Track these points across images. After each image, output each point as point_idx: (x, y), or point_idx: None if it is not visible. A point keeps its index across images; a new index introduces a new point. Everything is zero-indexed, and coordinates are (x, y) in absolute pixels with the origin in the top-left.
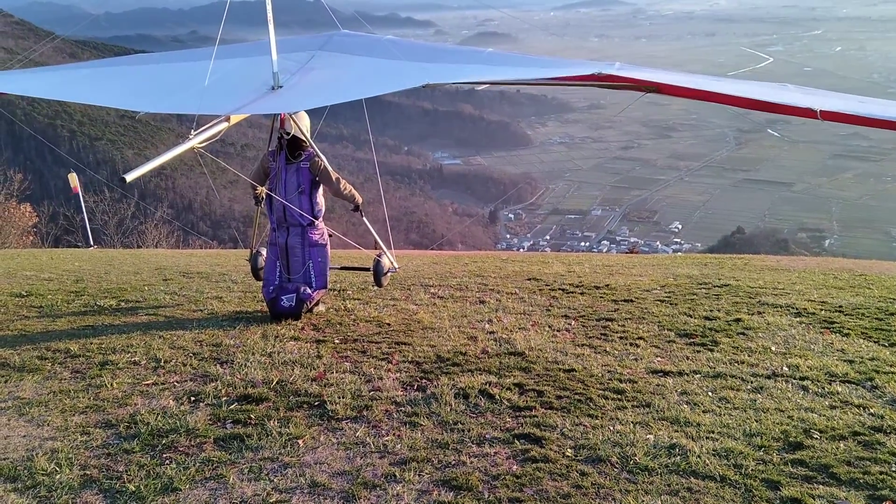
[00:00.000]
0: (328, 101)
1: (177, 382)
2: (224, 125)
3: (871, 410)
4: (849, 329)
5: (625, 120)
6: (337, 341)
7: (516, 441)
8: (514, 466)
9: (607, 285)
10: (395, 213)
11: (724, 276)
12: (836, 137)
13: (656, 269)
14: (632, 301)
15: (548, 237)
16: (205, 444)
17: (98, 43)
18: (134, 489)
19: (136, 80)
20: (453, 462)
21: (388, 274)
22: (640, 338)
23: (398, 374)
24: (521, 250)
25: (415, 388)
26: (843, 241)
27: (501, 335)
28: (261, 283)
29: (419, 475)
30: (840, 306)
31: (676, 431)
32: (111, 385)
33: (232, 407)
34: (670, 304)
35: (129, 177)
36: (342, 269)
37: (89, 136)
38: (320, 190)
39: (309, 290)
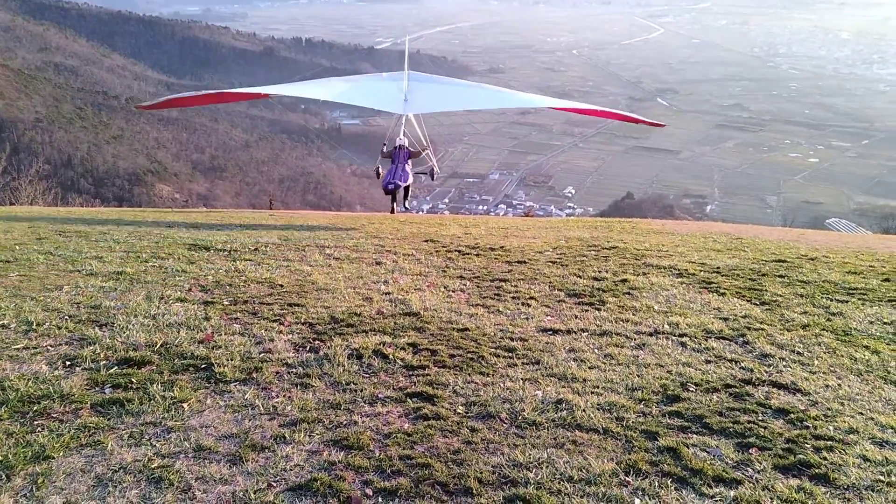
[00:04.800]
0: (443, 108)
1: (50, 346)
2: (399, 118)
3: (742, 364)
4: (725, 289)
5: (522, 85)
6: (226, 303)
7: (409, 400)
8: (406, 424)
9: (502, 247)
10: (291, 174)
11: (612, 238)
12: (719, 108)
13: (549, 232)
14: (525, 262)
15: (447, 200)
16: (81, 409)
17: None
18: (1, 458)
19: (346, 89)
20: (345, 422)
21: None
22: (532, 298)
23: (290, 336)
24: (421, 213)
25: (307, 349)
26: (723, 207)
27: (397, 296)
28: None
29: (309, 436)
30: (718, 268)
31: (563, 387)
32: None
33: (111, 371)
34: (561, 265)
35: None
36: (416, 173)
37: None
38: (409, 159)
39: (400, 183)
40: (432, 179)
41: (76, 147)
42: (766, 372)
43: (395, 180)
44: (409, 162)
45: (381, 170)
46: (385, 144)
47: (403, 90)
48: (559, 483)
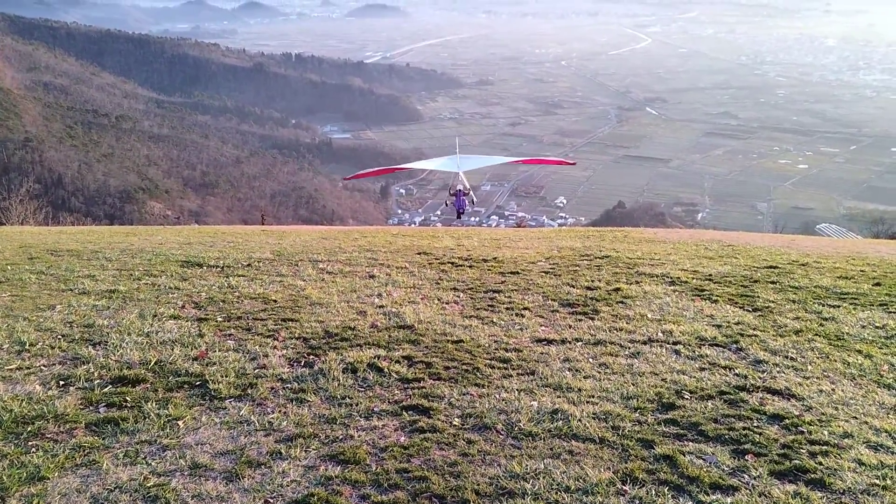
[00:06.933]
0: (481, 165)
1: (44, 366)
2: (456, 174)
3: (736, 371)
4: (717, 296)
5: (512, 97)
6: (220, 319)
7: (404, 413)
8: (402, 438)
9: (495, 258)
10: (282, 189)
11: (605, 247)
12: (707, 116)
13: (542, 242)
14: (518, 273)
15: (439, 212)
16: (75, 429)
17: None
18: None
19: (428, 164)
20: (341, 436)
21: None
22: (526, 308)
23: (285, 351)
24: (413, 225)
25: (302, 364)
26: (714, 214)
27: (391, 309)
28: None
29: (306, 451)
30: (710, 275)
31: (559, 397)
32: None
33: (105, 390)
34: (554, 275)
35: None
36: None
37: None
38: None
39: (466, 209)
40: (472, 205)
41: (67, 166)
42: (760, 378)
43: (464, 207)
44: (465, 197)
45: (447, 202)
46: (451, 188)
47: (457, 161)
48: (556, 493)
